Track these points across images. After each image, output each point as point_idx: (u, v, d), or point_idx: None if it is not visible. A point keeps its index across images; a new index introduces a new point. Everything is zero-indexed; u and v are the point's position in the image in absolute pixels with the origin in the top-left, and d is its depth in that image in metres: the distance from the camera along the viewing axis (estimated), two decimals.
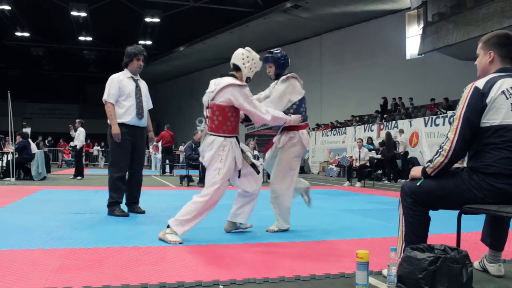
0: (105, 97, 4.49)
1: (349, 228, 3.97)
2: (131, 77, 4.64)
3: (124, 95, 4.54)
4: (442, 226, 3.37)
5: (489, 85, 2.09)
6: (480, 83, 2.12)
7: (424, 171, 2.19)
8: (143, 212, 4.69)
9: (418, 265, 1.86)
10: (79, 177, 11.07)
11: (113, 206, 4.50)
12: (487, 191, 2.05)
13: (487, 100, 2.06)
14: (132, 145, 4.60)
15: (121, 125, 4.50)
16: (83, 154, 12.95)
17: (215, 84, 3.31)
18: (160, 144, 14.03)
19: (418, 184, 2.18)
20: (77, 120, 11.58)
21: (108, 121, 4.54)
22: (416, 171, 2.26)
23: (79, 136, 11.13)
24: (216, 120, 3.26)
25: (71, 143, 11.33)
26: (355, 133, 16.63)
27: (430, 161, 2.17)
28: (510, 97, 2.06)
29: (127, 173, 4.68)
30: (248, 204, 3.57)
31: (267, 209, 4.21)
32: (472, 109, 2.07)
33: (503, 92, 2.06)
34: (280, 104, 3.60)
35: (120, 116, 4.51)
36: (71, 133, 11.39)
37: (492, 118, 2.06)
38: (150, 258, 2.60)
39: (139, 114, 4.58)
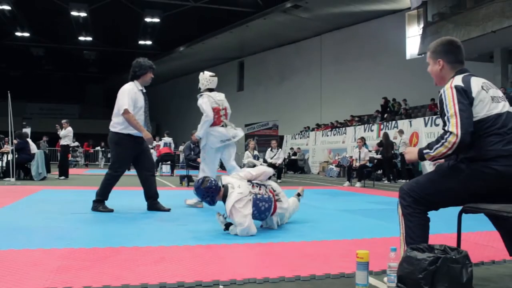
0: (125, 106, 4.51)
1: (349, 228, 3.97)
2: (141, 89, 4.74)
3: (137, 107, 4.64)
4: (442, 226, 3.37)
5: (467, 83, 2.15)
6: (457, 82, 2.16)
7: (421, 155, 2.16)
8: (169, 210, 4.77)
9: (418, 265, 1.86)
10: (62, 177, 10.83)
11: (99, 203, 4.68)
12: (489, 175, 2.05)
13: (473, 95, 2.13)
14: (139, 152, 4.76)
15: (127, 136, 4.61)
16: (75, 153, 12.80)
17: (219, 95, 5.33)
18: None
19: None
20: (64, 120, 11.49)
21: (115, 128, 4.63)
22: (412, 155, 2.23)
23: (68, 135, 11.02)
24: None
25: (61, 142, 11.26)
26: (355, 133, 16.61)
27: (429, 147, 2.13)
28: (488, 91, 2.17)
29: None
30: None
31: None
32: (465, 104, 2.10)
33: (482, 87, 2.16)
34: None
35: (127, 128, 4.58)
36: (58, 132, 11.27)
37: (479, 111, 2.12)
38: (150, 258, 2.60)
39: (146, 127, 4.72)
